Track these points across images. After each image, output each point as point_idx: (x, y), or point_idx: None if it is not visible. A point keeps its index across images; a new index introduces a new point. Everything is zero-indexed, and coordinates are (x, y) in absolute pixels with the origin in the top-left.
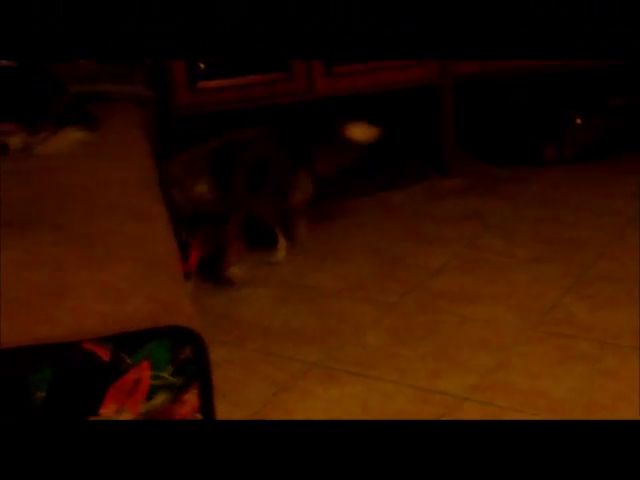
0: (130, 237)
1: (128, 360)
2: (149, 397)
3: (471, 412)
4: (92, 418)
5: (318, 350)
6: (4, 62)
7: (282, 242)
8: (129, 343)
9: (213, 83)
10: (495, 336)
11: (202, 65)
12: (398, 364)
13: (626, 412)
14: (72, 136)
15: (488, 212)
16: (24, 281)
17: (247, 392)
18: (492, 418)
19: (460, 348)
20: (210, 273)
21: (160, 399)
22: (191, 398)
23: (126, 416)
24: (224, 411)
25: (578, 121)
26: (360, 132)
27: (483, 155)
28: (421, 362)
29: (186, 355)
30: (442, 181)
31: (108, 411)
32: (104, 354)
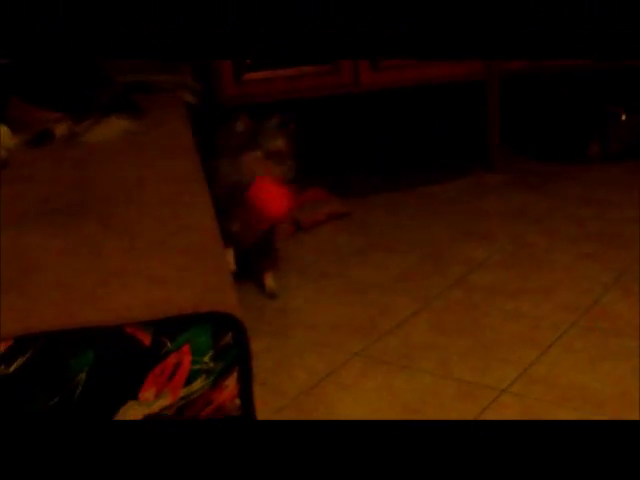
0: (174, 226)
1: (169, 345)
2: (189, 382)
3: (511, 406)
4: (132, 401)
5: (359, 341)
6: None
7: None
8: (170, 328)
9: (260, 74)
10: (536, 331)
11: None
12: (438, 357)
13: None
14: (117, 125)
15: (532, 208)
16: (69, 267)
17: (286, 381)
18: (531, 412)
19: (501, 342)
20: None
21: (199, 384)
22: (230, 384)
23: (165, 400)
24: (262, 399)
25: (623, 117)
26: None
27: (528, 151)
28: (461, 355)
29: (227, 341)
30: (486, 176)
31: (148, 395)
32: (145, 338)
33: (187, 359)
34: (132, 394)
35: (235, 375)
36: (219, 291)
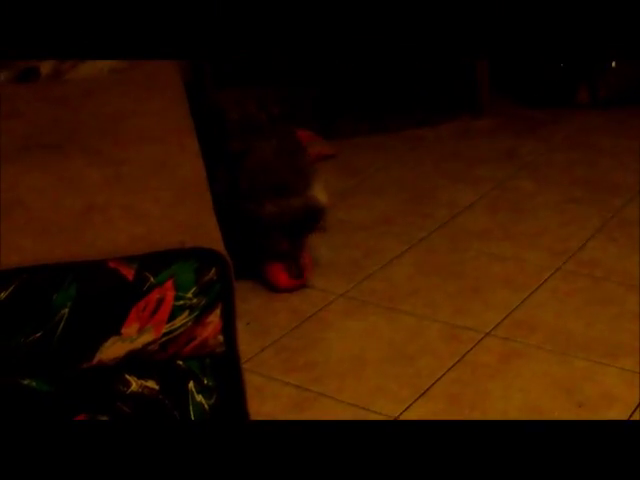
0: (160, 162)
1: (152, 280)
2: (172, 317)
3: (494, 348)
4: (115, 337)
5: (344, 283)
6: None
7: None
8: (154, 263)
9: None
10: (521, 275)
11: None
12: (423, 299)
13: None
14: (103, 63)
15: (519, 153)
16: (52, 202)
17: (271, 321)
18: (515, 355)
19: (486, 285)
20: None
21: (183, 320)
22: (214, 320)
23: (148, 336)
24: (246, 339)
25: (613, 64)
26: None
27: (517, 96)
28: (446, 298)
29: (210, 277)
30: (475, 121)
31: (130, 330)
32: (129, 273)
33: (170, 295)
34: (115, 329)
35: (218, 311)
36: (203, 227)
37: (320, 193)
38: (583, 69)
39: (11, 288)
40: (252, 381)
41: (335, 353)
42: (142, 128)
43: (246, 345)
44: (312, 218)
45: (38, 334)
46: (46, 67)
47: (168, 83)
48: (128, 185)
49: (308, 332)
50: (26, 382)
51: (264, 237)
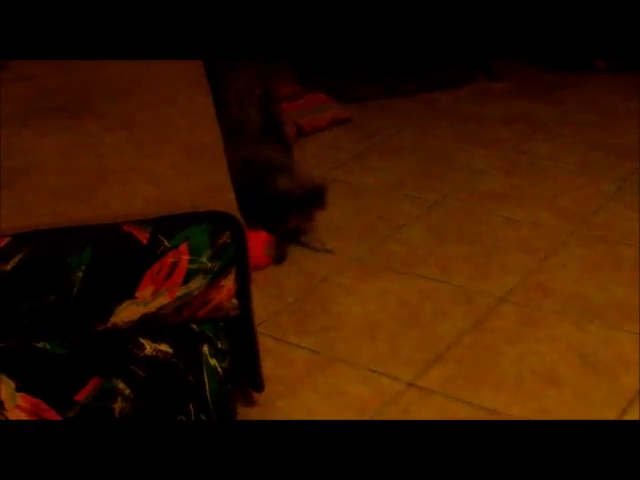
0: (176, 126)
1: (166, 243)
2: (186, 281)
3: (509, 312)
4: (129, 300)
5: (358, 246)
6: None
7: None
8: (168, 226)
9: None
10: (537, 239)
11: None
12: (438, 262)
13: None
14: None
15: (535, 116)
16: (66, 165)
17: (285, 284)
18: (529, 320)
19: (501, 249)
20: None
21: (197, 283)
22: (228, 283)
23: (163, 299)
24: (260, 303)
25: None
26: None
27: (533, 59)
28: (461, 261)
29: (224, 240)
30: (490, 84)
31: (145, 293)
32: (143, 236)
33: (185, 258)
34: (129, 293)
35: (232, 275)
36: (218, 191)
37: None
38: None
39: (25, 251)
40: (266, 344)
41: (349, 317)
42: (157, 91)
43: (260, 308)
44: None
45: (53, 297)
46: None
47: None
48: (142, 149)
49: (322, 295)
50: (41, 345)
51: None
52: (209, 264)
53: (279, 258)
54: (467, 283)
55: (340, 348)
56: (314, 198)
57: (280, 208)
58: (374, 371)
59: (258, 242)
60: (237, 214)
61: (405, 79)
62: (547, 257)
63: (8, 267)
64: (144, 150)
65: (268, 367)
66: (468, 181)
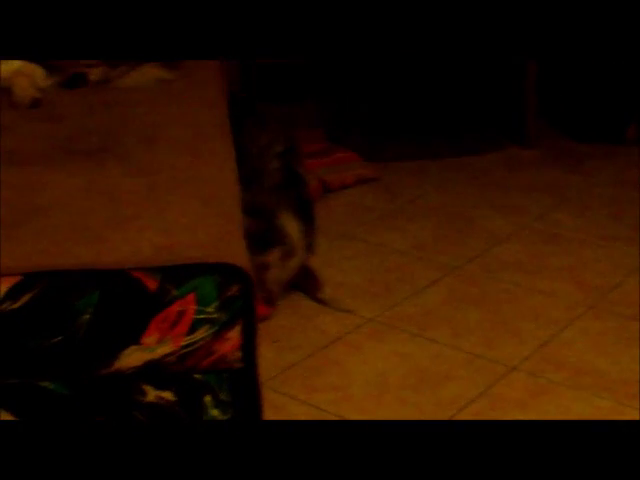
0: (194, 175)
1: (174, 292)
2: (191, 330)
3: (519, 382)
4: (134, 346)
5: (374, 306)
6: None
7: None
8: (177, 275)
9: None
10: (553, 310)
11: None
12: (452, 328)
13: None
14: (151, 72)
15: (563, 186)
16: (83, 207)
17: (299, 340)
18: (540, 391)
19: (516, 318)
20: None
21: (202, 333)
22: (233, 336)
23: (167, 348)
24: (273, 356)
25: None
26: None
27: (565, 129)
28: (475, 328)
29: (233, 292)
30: (521, 151)
31: (150, 340)
32: (151, 284)
33: (191, 308)
34: (134, 339)
35: (239, 328)
36: (229, 242)
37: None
38: (635, 106)
39: (35, 291)
40: (273, 399)
41: (359, 377)
42: (180, 139)
43: (271, 363)
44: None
45: (58, 338)
46: (95, 74)
47: (212, 94)
48: (159, 196)
49: (334, 354)
50: (44, 384)
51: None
52: (215, 315)
53: (269, 299)
54: (479, 350)
55: (347, 408)
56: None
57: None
58: None
59: None
60: (247, 267)
61: (436, 142)
62: (562, 329)
63: (17, 305)
64: (160, 197)
65: None
66: (490, 248)
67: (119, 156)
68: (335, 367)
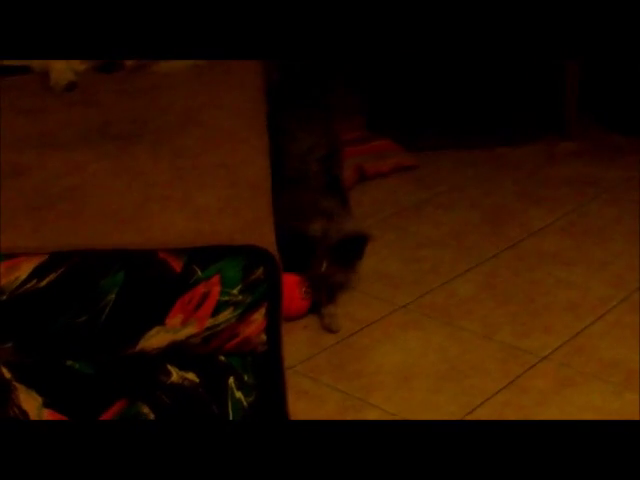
0: (226, 159)
1: (199, 273)
2: (216, 312)
3: (548, 373)
4: (158, 327)
5: (406, 295)
6: None
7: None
8: (203, 257)
9: None
10: (586, 302)
11: None
12: (483, 317)
13: None
14: None
15: (602, 178)
16: (114, 190)
17: None
18: (567, 382)
19: (548, 309)
20: None
21: (226, 315)
22: (258, 318)
23: (191, 329)
24: (302, 341)
25: None
26: None
27: (607, 121)
28: (507, 318)
29: (257, 275)
30: (561, 143)
31: (174, 322)
32: (177, 265)
33: (216, 289)
34: (159, 319)
35: (263, 310)
36: (257, 226)
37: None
38: None
39: (60, 270)
40: (300, 384)
41: (387, 363)
42: (214, 124)
43: (300, 348)
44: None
45: (83, 317)
46: (131, 60)
47: (248, 81)
48: (190, 179)
49: (363, 341)
50: (69, 363)
51: (307, 255)
52: (240, 297)
53: (316, 302)
54: (509, 340)
55: (374, 394)
56: (350, 247)
57: (309, 251)
58: (404, 420)
59: (291, 285)
60: (273, 250)
61: (475, 132)
62: (594, 321)
63: (42, 284)
64: (190, 181)
65: (299, 406)
66: (524, 239)
67: (152, 140)
68: (364, 354)
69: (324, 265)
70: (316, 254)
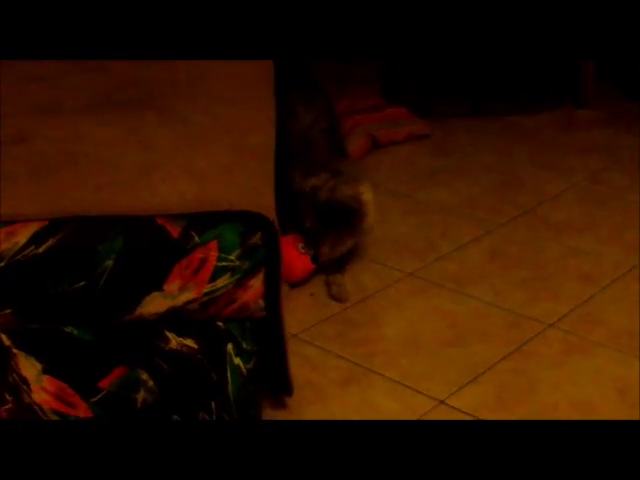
0: (232, 126)
1: (197, 239)
2: (213, 278)
3: (554, 340)
4: (156, 292)
5: (416, 262)
6: None
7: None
8: (200, 223)
9: None
10: (595, 270)
11: None
12: (492, 285)
13: None
14: None
15: (619, 147)
16: (116, 156)
17: None
18: (573, 349)
19: (558, 277)
20: None
21: (224, 281)
22: (255, 284)
23: (189, 294)
24: (308, 308)
25: None
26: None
27: (625, 89)
28: (516, 286)
29: (255, 241)
30: (578, 111)
31: (172, 287)
32: (174, 230)
33: (213, 255)
34: (157, 285)
35: (261, 276)
36: (257, 192)
37: (366, 193)
38: None
39: (59, 236)
40: (305, 351)
41: (393, 331)
42: (221, 92)
43: (306, 315)
44: (345, 213)
45: (82, 283)
46: None
47: None
48: (193, 145)
49: (370, 308)
50: (68, 329)
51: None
52: (238, 263)
53: (314, 257)
54: (518, 307)
55: (379, 361)
56: (337, 212)
57: (295, 205)
58: (408, 387)
59: (286, 244)
60: (272, 216)
61: (491, 100)
62: (603, 289)
63: (41, 250)
64: (194, 147)
65: (304, 373)
66: (537, 207)
67: (158, 107)
68: (371, 321)
69: (308, 221)
70: (301, 209)
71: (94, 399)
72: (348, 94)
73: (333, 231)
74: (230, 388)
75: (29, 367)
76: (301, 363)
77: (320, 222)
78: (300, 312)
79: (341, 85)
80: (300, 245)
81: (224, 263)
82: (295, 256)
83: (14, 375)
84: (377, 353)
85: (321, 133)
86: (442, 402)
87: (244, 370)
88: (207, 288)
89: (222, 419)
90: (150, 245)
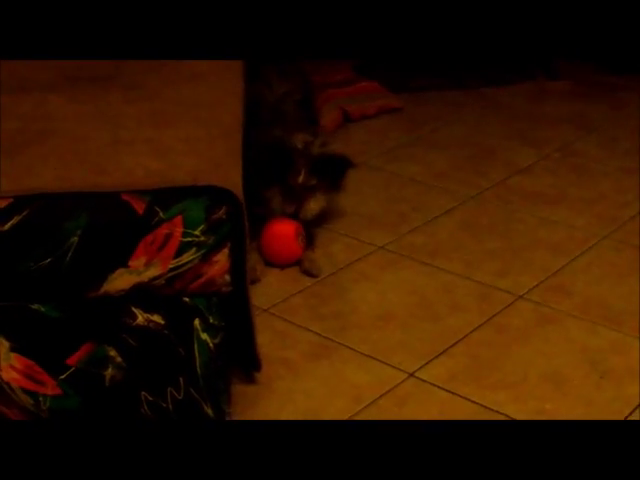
0: (200, 101)
1: (162, 214)
2: (179, 253)
3: (525, 311)
4: (122, 269)
5: (386, 235)
6: None
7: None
8: (165, 198)
9: None
10: (567, 240)
11: None
12: (462, 257)
13: None
14: None
15: (590, 118)
16: (82, 133)
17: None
18: (543, 320)
19: (529, 248)
20: None
21: (189, 256)
22: (221, 259)
23: (155, 270)
24: (278, 282)
25: None
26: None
27: (597, 60)
28: (486, 258)
29: (220, 216)
30: (549, 83)
31: (137, 263)
32: (139, 206)
33: (178, 230)
34: (122, 261)
35: (226, 251)
36: (223, 167)
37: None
38: None
39: (24, 213)
40: (276, 326)
41: (364, 305)
42: (190, 66)
43: (276, 289)
44: (339, 165)
45: (47, 260)
46: None
47: None
48: (160, 121)
49: (341, 282)
50: (35, 307)
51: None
52: (203, 238)
53: (295, 213)
54: (488, 279)
55: (349, 335)
56: (331, 163)
57: (288, 161)
58: (378, 360)
59: (289, 232)
60: (238, 191)
61: (462, 73)
62: (574, 259)
63: (6, 228)
64: (160, 123)
65: (274, 348)
66: (508, 178)
67: (125, 83)
68: (341, 295)
69: (302, 175)
70: (295, 164)
71: (62, 376)
72: (320, 68)
73: (324, 184)
74: (198, 363)
75: None
76: (272, 338)
77: (314, 175)
78: (271, 287)
79: (313, 59)
80: (300, 238)
81: (189, 238)
82: (295, 247)
83: None
84: (348, 327)
85: (294, 104)
86: (412, 375)
87: (211, 345)
88: (173, 264)
89: (221, 420)
90: (115, 221)
